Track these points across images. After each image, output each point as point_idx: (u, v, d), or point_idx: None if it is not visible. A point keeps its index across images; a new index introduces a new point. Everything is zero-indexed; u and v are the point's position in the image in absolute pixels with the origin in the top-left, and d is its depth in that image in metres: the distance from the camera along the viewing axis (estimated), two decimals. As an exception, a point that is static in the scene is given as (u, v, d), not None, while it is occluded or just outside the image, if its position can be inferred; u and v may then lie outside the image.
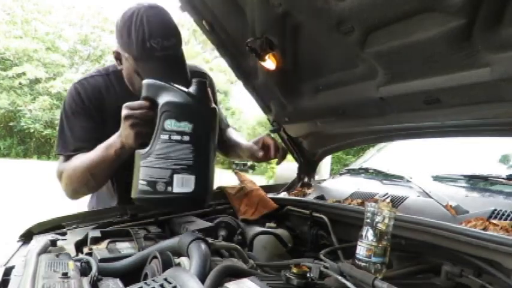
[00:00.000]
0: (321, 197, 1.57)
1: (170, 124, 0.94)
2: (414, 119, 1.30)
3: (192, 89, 0.99)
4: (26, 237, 1.14)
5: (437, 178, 1.39)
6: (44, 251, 0.91)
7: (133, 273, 0.90)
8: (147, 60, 1.15)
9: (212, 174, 1.03)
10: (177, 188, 0.93)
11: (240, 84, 1.65)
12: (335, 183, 1.80)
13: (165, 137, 0.93)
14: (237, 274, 0.79)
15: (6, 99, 18.08)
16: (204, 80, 1.01)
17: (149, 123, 0.98)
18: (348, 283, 0.74)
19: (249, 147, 1.53)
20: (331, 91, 1.44)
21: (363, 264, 0.83)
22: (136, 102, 1.02)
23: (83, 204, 1.65)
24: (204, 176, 0.98)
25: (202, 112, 0.99)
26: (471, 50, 0.96)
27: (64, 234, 1.13)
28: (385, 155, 1.99)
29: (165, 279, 0.68)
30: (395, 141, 1.83)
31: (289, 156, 1.69)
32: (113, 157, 1.12)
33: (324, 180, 1.93)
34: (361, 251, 0.84)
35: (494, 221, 0.97)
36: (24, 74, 18.23)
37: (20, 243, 1.13)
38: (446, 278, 0.93)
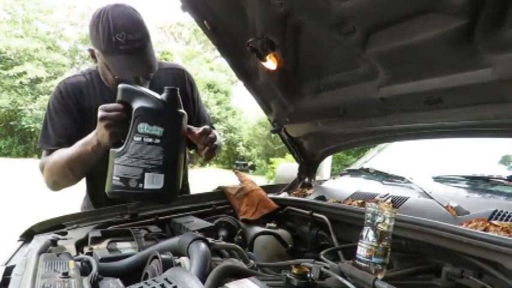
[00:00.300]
0: (322, 198, 1.56)
1: (143, 127, 1.01)
2: (415, 120, 1.30)
3: (163, 96, 1.06)
4: (27, 236, 1.15)
5: (438, 179, 1.38)
6: (44, 250, 0.92)
7: (133, 273, 0.90)
8: (113, 54, 1.22)
9: (180, 174, 1.10)
10: (147, 185, 1.01)
11: (241, 84, 1.65)
12: (336, 183, 1.80)
13: (138, 138, 1.01)
14: (237, 274, 0.79)
15: (7, 99, 18.10)
16: (175, 88, 1.07)
17: (123, 124, 1.05)
18: (348, 283, 0.74)
19: None
20: (332, 91, 1.44)
21: (364, 264, 0.83)
22: (111, 105, 1.09)
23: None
24: (172, 175, 1.06)
25: (172, 118, 1.07)
26: (472, 51, 0.95)
27: (64, 233, 1.13)
28: (385, 156, 1.99)
29: (166, 279, 0.69)
30: (396, 141, 1.82)
31: (289, 157, 1.69)
32: (89, 153, 1.19)
33: (325, 180, 1.93)
34: (361, 251, 0.84)
35: (495, 222, 0.96)
36: (25, 73, 18.23)
37: (21, 242, 1.13)
38: (447, 278, 0.93)
